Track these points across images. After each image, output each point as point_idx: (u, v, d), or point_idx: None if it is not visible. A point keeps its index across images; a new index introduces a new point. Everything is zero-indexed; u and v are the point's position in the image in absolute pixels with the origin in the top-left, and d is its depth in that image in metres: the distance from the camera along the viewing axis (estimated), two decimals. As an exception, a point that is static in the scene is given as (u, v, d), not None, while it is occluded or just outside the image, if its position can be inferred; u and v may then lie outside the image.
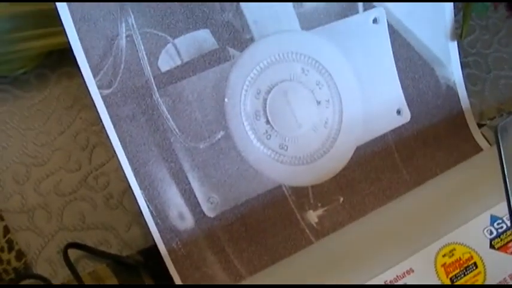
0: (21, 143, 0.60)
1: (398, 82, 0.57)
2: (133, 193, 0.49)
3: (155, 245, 0.50)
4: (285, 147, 0.53)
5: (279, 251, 0.52)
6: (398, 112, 0.57)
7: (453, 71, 0.60)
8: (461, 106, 0.60)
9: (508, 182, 0.41)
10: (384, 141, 0.56)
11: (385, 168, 0.56)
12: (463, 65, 0.65)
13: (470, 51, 0.70)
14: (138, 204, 0.49)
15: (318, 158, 0.54)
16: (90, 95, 0.47)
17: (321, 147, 0.54)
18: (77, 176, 0.59)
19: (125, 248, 0.57)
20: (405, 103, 0.57)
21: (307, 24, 0.53)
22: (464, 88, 0.60)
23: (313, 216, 0.53)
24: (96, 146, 0.61)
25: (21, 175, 0.59)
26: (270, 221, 0.52)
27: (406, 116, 0.57)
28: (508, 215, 0.45)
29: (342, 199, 0.54)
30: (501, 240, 0.50)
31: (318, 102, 0.54)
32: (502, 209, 0.50)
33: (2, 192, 0.58)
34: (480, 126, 0.62)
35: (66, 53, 0.46)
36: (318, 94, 0.53)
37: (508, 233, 0.50)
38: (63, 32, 0.46)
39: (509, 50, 0.71)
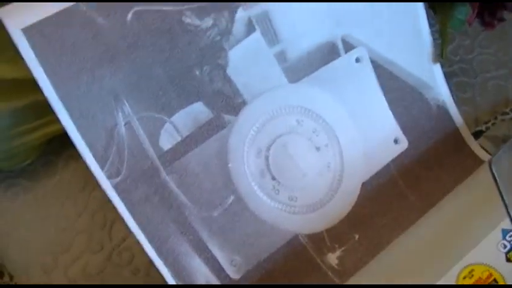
0: (42, 233, 0.63)
1: (391, 113, 0.59)
2: (159, 271, 0.52)
3: (189, 315, 0.53)
4: (295, 198, 0.55)
5: (307, 298, 0.55)
6: (396, 141, 0.60)
7: (440, 91, 0.62)
8: (454, 123, 0.63)
9: (509, 209, 0.44)
10: (387, 172, 0.59)
11: (394, 198, 0.59)
12: (450, 74, 0.67)
13: (454, 59, 0.72)
14: (165, 279, 0.52)
15: (327, 202, 0.56)
16: (101, 186, 0.50)
17: (329, 190, 0.56)
18: (101, 256, 0.62)
19: (159, 319, 0.60)
20: (401, 131, 0.60)
21: (294, 76, 0.56)
22: (454, 105, 0.63)
23: (332, 258, 0.56)
24: (114, 222, 0.63)
25: (48, 264, 0.62)
26: (293, 271, 0.55)
27: (404, 143, 0.60)
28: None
29: (357, 236, 0.57)
30: (516, 251, 0.52)
31: (318, 149, 0.56)
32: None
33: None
34: (477, 133, 0.65)
35: (67, 137, 0.49)
36: (316, 141, 0.56)
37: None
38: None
39: (492, 50, 0.73)
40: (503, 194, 0.45)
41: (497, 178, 0.45)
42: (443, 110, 0.62)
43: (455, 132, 0.62)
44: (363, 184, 0.58)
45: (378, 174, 0.59)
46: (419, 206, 0.59)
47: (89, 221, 0.64)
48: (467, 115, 0.66)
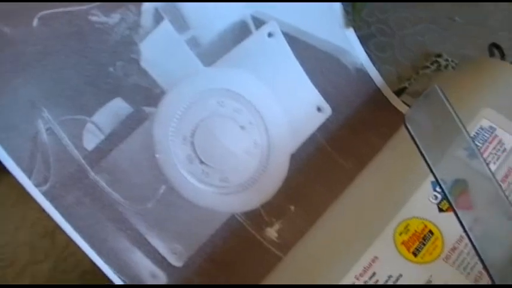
0: (-17, 251, 0.64)
1: (310, 82, 0.61)
2: (102, 271, 0.53)
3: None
4: (226, 179, 0.57)
5: (253, 275, 0.56)
6: (319, 109, 0.62)
7: (357, 54, 0.64)
8: (375, 83, 0.65)
9: (430, 164, 0.46)
10: (314, 140, 0.61)
11: (324, 166, 0.61)
12: (369, 36, 0.70)
13: (371, 20, 0.74)
14: (110, 279, 0.54)
15: (258, 178, 0.58)
16: (30, 195, 0.51)
17: (258, 167, 0.58)
18: (46, 265, 0.63)
19: (114, 317, 0.61)
20: (323, 99, 0.62)
21: (209, 60, 0.57)
22: (372, 66, 0.65)
23: (272, 232, 0.58)
24: (55, 229, 0.64)
25: (-6, 281, 0.63)
26: (235, 251, 0.57)
27: (327, 110, 0.62)
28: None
29: (293, 208, 0.59)
30: (446, 201, 0.54)
31: (242, 127, 0.58)
32: (438, 173, 0.53)
33: (-20, 305, 0.62)
34: (401, 90, 0.67)
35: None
36: (240, 120, 0.58)
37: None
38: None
39: (404, 7, 0.75)
40: (421, 148, 0.47)
41: (412, 133, 0.47)
42: (362, 73, 0.65)
43: (378, 93, 0.65)
44: (292, 156, 0.60)
45: (305, 144, 0.61)
46: (350, 170, 0.61)
47: (29, 233, 0.64)
48: (390, 74, 0.68)
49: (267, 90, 0.59)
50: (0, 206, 0.66)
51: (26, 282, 0.62)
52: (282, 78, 0.60)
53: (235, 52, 0.58)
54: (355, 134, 0.63)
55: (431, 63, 0.70)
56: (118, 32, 0.54)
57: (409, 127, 0.48)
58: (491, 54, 0.67)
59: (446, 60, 0.70)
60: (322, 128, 0.62)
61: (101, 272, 0.60)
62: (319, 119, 0.62)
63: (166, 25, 0.55)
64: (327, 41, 0.63)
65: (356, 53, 0.65)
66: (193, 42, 0.57)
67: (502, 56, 0.66)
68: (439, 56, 0.70)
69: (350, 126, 0.63)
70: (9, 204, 0.66)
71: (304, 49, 0.61)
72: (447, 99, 0.49)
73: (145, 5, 0.55)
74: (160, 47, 0.55)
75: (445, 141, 0.51)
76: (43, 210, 0.62)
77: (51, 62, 0.51)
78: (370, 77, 0.65)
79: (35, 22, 0.50)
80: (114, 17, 0.53)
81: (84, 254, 0.60)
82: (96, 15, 0.53)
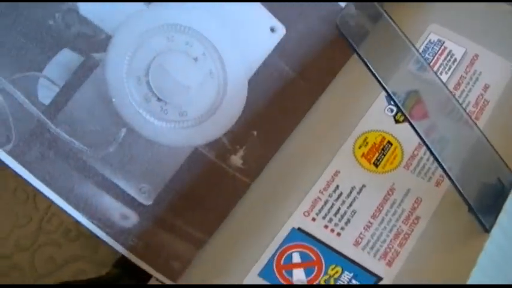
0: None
1: (259, 3, 0.65)
2: (75, 219, 0.59)
3: (121, 251, 0.60)
4: (185, 113, 0.61)
5: (222, 204, 0.62)
6: (272, 30, 0.65)
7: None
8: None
9: (377, 75, 0.50)
10: (271, 62, 0.65)
11: (284, 87, 0.65)
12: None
13: None
14: (83, 225, 0.59)
15: (217, 108, 0.63)
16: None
17: (216, 96, 0.63)
18: (31, 227, 0.69)
19: (101, 268, 0.66)
20: (275, 19, 0.65)
21: (149, -4, 0.62)
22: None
23: (236, 159, 0.63)
24: (36, 193, 0.70)
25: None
26: (202, 183, 0.62)
27: (281, 30, 0.66)
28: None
29: (255, 133, 0.63)
30: (402, 112, 0.58)
31: (196, 59, 0.62)
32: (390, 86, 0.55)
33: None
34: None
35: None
36: (192, 52, 0.62)
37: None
38: None
39: None
40: (363, 56, 0.50)
41: (347, 37, 0.50)
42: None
43: (334, 6, 0.68)
44: (250, 81, 0.64)
45: (263, 68, 0.65)
46: (310, 90, 0.65)
47: (10, 200, 0.70)
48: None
49: (214, 19, 0.64)
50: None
51: (12, 245, 0.68)
52: (227, 5, 0.64)
53: (175, -14, 0.63)
54: (315, 51, 0.67)
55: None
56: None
57: (342, 31, 0.51)
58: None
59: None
60: (279, 48, 0.66)
61: (82, 227, 0.65)
62: (274, 39, 0.66)
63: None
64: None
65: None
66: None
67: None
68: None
69: (308, 44, 0.67)
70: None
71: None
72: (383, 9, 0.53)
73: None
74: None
75: (394, 55, 0.55)
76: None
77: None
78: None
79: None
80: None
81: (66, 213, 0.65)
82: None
